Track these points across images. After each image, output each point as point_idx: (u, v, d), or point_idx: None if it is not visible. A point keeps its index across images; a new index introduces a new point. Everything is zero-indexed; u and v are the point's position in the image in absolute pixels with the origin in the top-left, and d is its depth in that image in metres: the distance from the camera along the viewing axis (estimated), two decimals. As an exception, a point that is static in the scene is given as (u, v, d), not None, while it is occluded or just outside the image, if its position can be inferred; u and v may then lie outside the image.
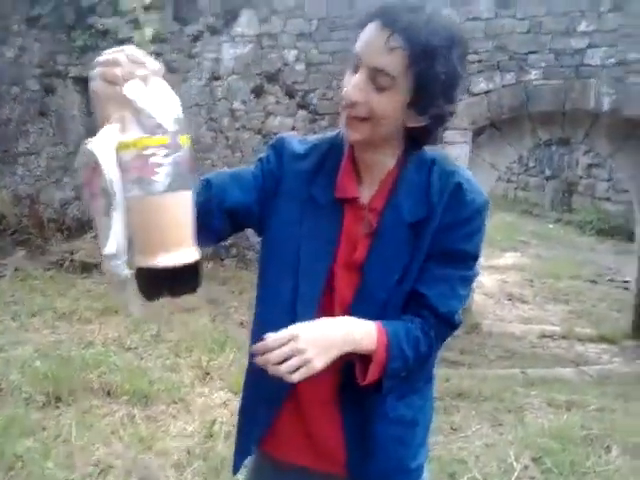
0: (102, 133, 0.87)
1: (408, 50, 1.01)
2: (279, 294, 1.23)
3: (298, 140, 1.27)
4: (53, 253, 7.10)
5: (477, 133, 6.24)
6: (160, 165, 0.86)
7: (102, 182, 0.85)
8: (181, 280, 0.94)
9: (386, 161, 1.18)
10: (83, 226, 7.86)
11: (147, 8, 6.75)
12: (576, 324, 6.44)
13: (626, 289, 7.35)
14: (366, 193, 1.19)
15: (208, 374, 3.98)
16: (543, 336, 6.05)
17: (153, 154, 0.86)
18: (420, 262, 1.14)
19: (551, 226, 11.98)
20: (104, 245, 0.88)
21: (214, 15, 6.93)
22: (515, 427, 3.55)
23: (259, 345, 1.02)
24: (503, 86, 5.89)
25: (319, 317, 1.14)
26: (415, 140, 1.17)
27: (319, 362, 1.03)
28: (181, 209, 0.91)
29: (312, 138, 1.29)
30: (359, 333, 1.08)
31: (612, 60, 5.55)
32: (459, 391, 4.11)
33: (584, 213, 11.81)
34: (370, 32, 1.05)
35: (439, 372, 4.65)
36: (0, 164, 8.35)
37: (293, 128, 6.68)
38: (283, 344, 1.01)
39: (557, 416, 3.70)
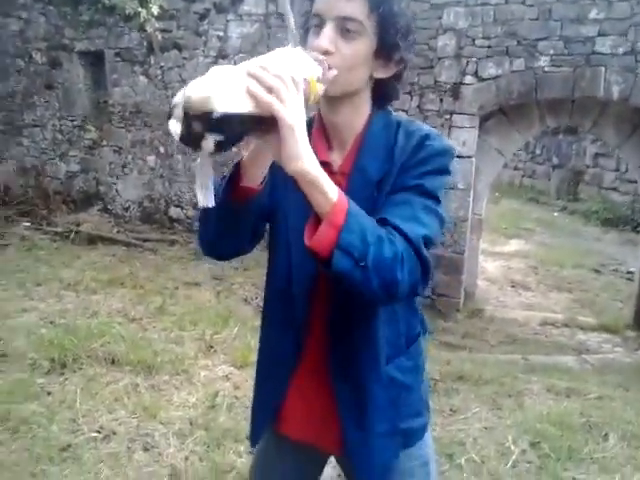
0: None
1: None
2: (277, 271, 1.28)
3: None
4: (58, 225, 7.13)
5: (485, 118, 6.22)
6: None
7: None
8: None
9: (354, 122, 1.19)
10: (89, 199, 7.89)
11: (154, -16, 6.71)
12: (579, 313, 6.45)
13: (630, 280, 7.35)
14: (337, 158, 1.20)
15: (211, 347, 4.00)
16: (545, 323, 6.06)
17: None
18: (380, 207, 1.13)
19: (556, 214, 11.93)
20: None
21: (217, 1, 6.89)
22: (514, 412, 3.55)
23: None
24: (512, 72, 5.85)
25: (314, 289, 1.20)
26: (381, 96, 1.21)
27: (287, 116, 0.90)
28: None
29: None
30: (320, 171, 0.97)
31: (622, 49, 5.50)
32: (460, 374, 4.12)
33: (590, 202, 11.76)
34: None
35: (439, 354, 4.70)
36: (6, 135, 8.35)
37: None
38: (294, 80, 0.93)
39: (556, 402, 3.70)
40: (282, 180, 1.22)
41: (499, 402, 3.69)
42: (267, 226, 1.30)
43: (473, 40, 5.93)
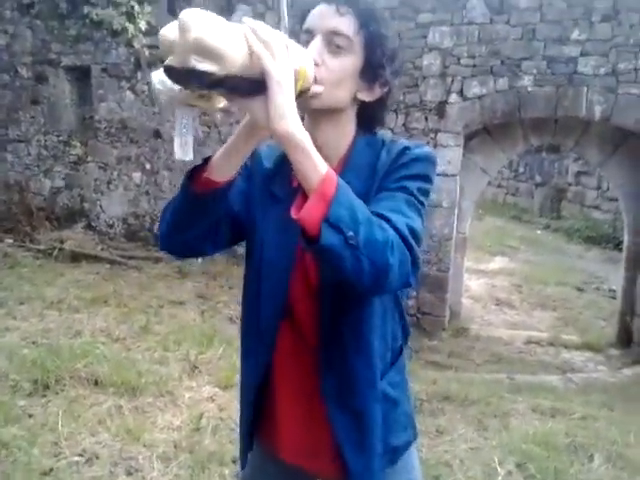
0: None
1: (357, 14, 1.10)
2: (248, 290, 1.28)
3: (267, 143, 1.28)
4: (42, 242, 7.05)
5: (469, 137, 6.29)
6: None
7: None
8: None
9: (338, 142, 1.19)
10: (73, 216, 7.82)
11: (141, 0, 6.72)
12: (563, 331, 6.50)
13: (612, 298, 7.43)
14: None
15: (196, 368, 3.96)
16: (530, 342, 6.10)
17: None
18: None
19: (539, 232, 12.07)
20: None
21: (208, 9, 6.90)
22: (500, 432, 3.55)
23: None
24: (496, 91, 5.94)
25: (286, 307, 1.19)
26: (366, 121, 1.21)
27: (278, 72, 0.89)
28: None
29: None
30: (309, 142, 0.96)
31: (604, 69, 5.61)
32: (446, 394, 4.12)
33: (573, 220, 11.92)
34: (318, 9, 1.13)
35: (426, 374, 4.70)
36: (-11, 150, 8.30)
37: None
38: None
39: (542, 423, 3.71)
40: (260, 204, 1.23)
41: (485, 422, 3.69)
42: (243, 242, 1.29)
43: (458, 59, 6.01)
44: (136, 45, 6.86)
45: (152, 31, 6.93)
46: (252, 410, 1.29)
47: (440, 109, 6.13)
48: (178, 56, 0.87)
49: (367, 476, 1.21)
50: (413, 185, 1.11)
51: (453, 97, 6.07)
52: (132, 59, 7.33)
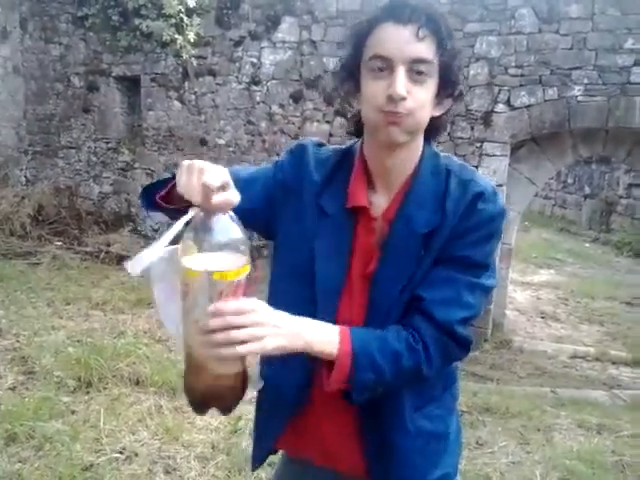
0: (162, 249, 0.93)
1: (436, 35, 1.05)
2: (295, 305, 1.17)
3: (315, 149, 1.25)
4: (89, 245, 7.24)
5: (516, 147, 6.18)
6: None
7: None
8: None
9: (407, 164, 1.16)
10: (120, 220, 8.01)
11: (191, 12, 6.87)
12: (610, 346, 6.28)
13: (664, 313, 7.16)
14: (381, 202, 1.16)
15: (235, 370, 3.99)
16: (575, 356, 5.92)
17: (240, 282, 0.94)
18: (425, 270, 1.11)
19: (588, 245, 11.76)
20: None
21: (256, 21, 7.01)
22: (542, 447, 3.45)
23: (220, 308, 0.91)
24: (545, 101, 5.81)
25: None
26: (433, 133, 1.18)
27: (270, 343, 0.95)
28: None
29: (328, 148, 1.27)
30: (313, 335, 1.01)
31: (658, 79, 5.44)
32: (486, 406, 4.03)
33: (623, 234, 11.55)
34: (392, 32, 1.05)
35: (466, 385, 4.60)
36: (42, 156, 8.58)
37: (330, 135, 6.72)
38: (243, 313, 0.93)
39: (587, 439, 3.58)
40: (309, 216, 1.19)
41: (527, 436, 3.60)
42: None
43: (505, 69, 5.92)
44: (184, 56, 7.00)
45: (200, 42, 7.08)
46: (284, 426, 1.26)
47: (486, 118, 6.05)
48: None
49: None
50: (482, 251, 1.12)
51: (500, 107, 5.98)
52: (180, 69, 7.49)
